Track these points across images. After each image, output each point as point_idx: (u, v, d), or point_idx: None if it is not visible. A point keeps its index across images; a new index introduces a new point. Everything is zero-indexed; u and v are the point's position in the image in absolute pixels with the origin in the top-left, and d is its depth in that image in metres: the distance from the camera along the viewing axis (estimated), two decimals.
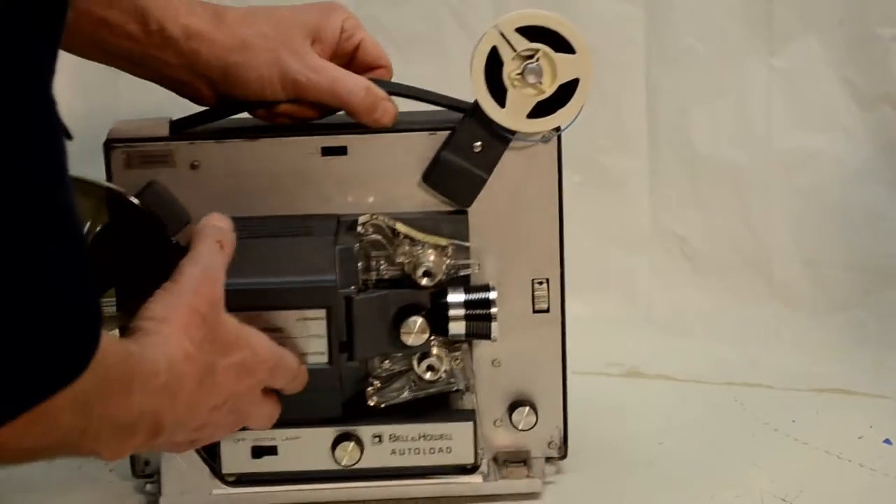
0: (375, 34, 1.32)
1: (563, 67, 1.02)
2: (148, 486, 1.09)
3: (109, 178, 1.03)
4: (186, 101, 1.06)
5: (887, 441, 1.15)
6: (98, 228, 1.01)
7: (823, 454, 1.14)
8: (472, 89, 1.02)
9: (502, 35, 1.01)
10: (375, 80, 1.04)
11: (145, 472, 1.09)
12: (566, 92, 1.02)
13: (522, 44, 1.01)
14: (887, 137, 1.35)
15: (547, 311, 1.07)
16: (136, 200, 1.01)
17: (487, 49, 1.01)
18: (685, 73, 1.36)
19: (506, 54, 1.01)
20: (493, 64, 1.02)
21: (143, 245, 1.02)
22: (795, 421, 1.19)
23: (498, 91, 1.02)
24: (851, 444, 1.15)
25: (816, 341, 1.32)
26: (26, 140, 0.65)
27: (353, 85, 1.03)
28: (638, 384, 1.27)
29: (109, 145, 1.03)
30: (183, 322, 0.86)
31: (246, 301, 0.96)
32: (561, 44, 1.01)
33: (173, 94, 1.06)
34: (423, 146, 1.04)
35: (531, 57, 1.01)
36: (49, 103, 0.66)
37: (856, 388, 1.25)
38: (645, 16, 1.34)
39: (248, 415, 0.94)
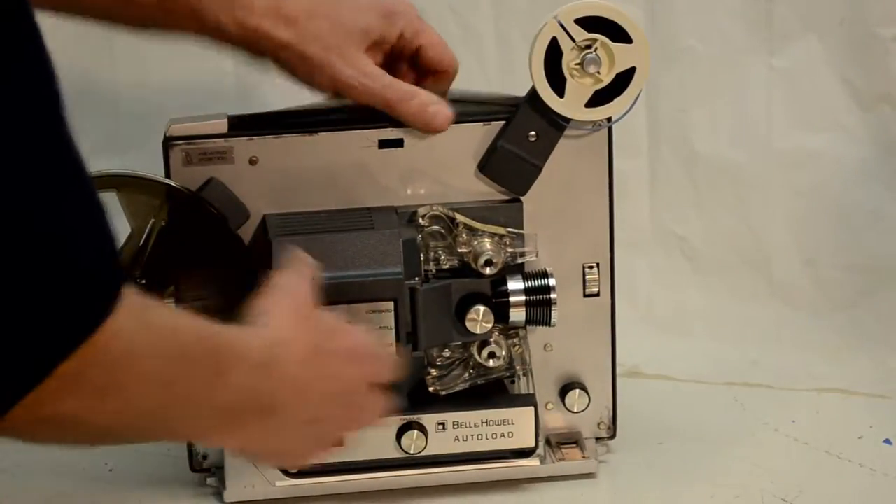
0: None
1: (621, 56, 1.04)
2: (209, 480, 1.09)
3: (169, 175, 1.05)
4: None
5: (887, 441, 1.15)
6: (160, 225, 1.03)
7: (823, 454, 1.14)
8: (530, 78, 1.04)
9: (562, 26, 1.02)
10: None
11: (203, 467, 1.09)
12: (622, 81, 1.05)
13: (581, 34, 1.03)
14: (887, 137, 1.35)
15: (597, 294, 1.09)
16: (197, 197, 1.02)
17: (547, 40, 1.03)
18: (685, 73, 1.36)
19: (565, 45, 1.03)
20: (550, 54, 1.04)
21: (204, 241, 1.03)
22: (795, 421, 1.19)
23: (556, 81, 1.04)
24: (851, 444, 1.15)
25: (816, 341, 1.32)
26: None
27: (404, 92, 1.04)
28: (638, 384, 1.27)
29: (168, 143, 1.04)
30: (279, 312, 0.88)
31: (318, 295, 0.98)
32: (618, 33, 1.03)
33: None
34: (478, 137, 1.06)
35: (589, 47, 1.03)
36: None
37: (856, 388, 1.25)
38: (645, 16, 1.34)
39: (362, 407, 0.94)
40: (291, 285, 0.91)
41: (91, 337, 0.69)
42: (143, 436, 0.80)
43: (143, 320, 0.73)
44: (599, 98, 1.05)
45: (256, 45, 1.03)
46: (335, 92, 1.04)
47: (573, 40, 1.03)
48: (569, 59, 1.04)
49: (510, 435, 1.07)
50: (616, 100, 1.05)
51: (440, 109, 1.04)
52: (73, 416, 0.71)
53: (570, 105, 1.05)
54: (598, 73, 1.04)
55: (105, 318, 0.69)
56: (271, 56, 1.04)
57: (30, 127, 0.67)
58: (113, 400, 0.72)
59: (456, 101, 1.07)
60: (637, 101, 1.06)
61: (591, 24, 1.03)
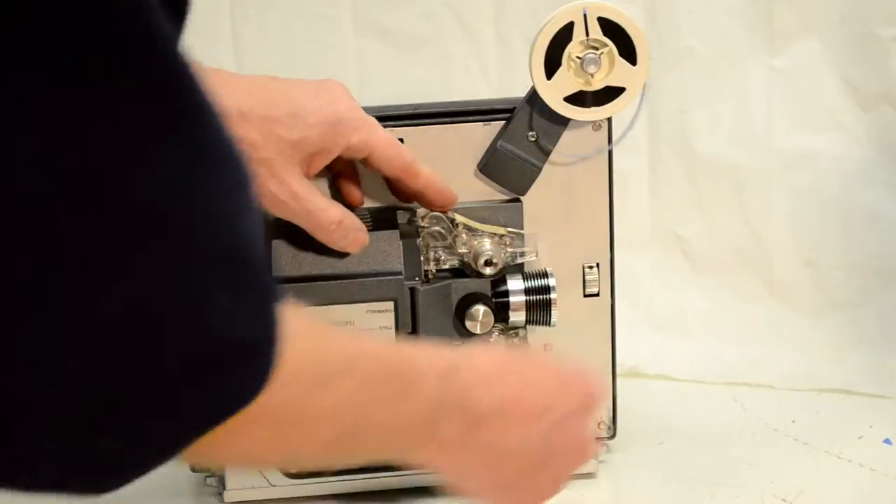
0: (376, 35, 1.33)
1: (619, 72, 1.04)
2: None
3: None
4: None
5: (887, 441, 1.15)
6: None
7: (823, 454, 1.14)
8: (529, 59, 1.04)
9: (585, 16, 1.02)
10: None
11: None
12: (607, 95, 1.05)
13: (597, 32, 1.03)
14: (887, 137, 1.35)
15: (597, 295, 1.09)
16: None
17: (565, 21, 1.03)
18: (685, 74, 1.36)
19: (577, 34, 1.03)
20: (558, 37, 1.04)
21: None
22: (795, 421, 1.19)
23: (550, 64, 1.04)
24: (851, 444, 1.15)
25: (816, 341, 1.32)
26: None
27: (325, 220, 1.00)
28: (638, 384, 1.27)
29: None
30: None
31: (316, 295, 1.00)
32: (628, 51, 1.03)
33: None
34: (478, 137, 1.07)
35: (596, 48, 1.03)
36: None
37: (856, 388, 1.25)
38: (645, 16, 1.34)
39: (583, 439, 0.89)
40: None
41: (264, 388, 0.66)
42: (338, 459, 0.77)
43: (319, 353, 0.71)
44: (578, 99, 1.05)
45: None
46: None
47: (587, 34, 1.03)
48: (572, 49, 1.04)
49: None
50: (593, 108, 1.05)
51: (360, 237, 1.02)
52: (249, 454, 0.70)
53: (549, 90, 1.04)
54: (592, 76, 1.04)
55: (272, 369, 0.66)
56: None
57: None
58: (292, 435, 0.71)
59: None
60: (633, 124, 1.06)
61: (611, 29, 1.03)
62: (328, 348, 0.72)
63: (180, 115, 0.63)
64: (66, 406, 0.61)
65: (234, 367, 0.64)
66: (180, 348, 0.62)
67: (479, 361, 0.82)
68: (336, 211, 1.01)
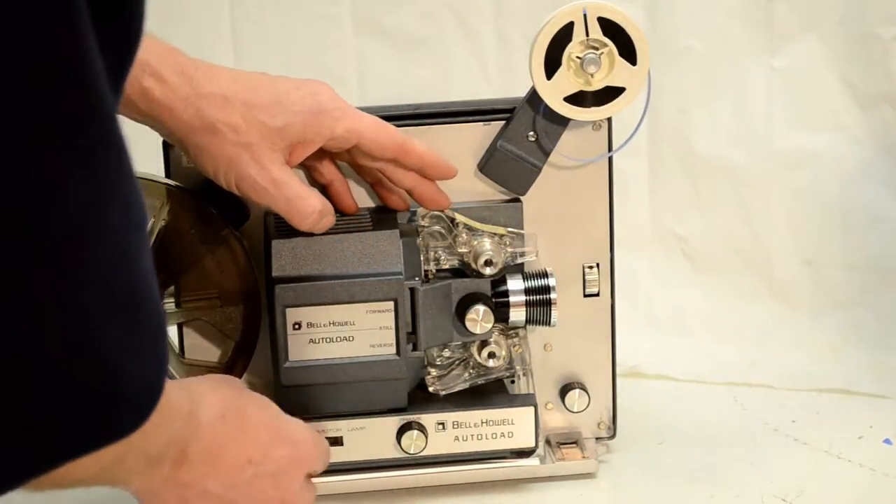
0: (376, 35, 1.33)
1: (619, 73, 1.04)
2: None
3: (169, 175, 1.05)
4: None
5: (887, 441, 1.15)
6: (160, 225, 1.03)
7: (823, 454, 1.14)
8: (529, 55, 1.04)
9: (585, 16, 1.02)
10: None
11: None
12: (607, 95, 1.05)
13: (597, 32, 1.03)
14: (887, 137, 1.35)
15: (597, 295, 1.09)
16: (197, 197, 1.03)
17: (565, 21, 1.03)
18: (685, 73, 1.36)
19: (577, 34, 1.03)
20: (558, 37, 1.03)
21: (204, 241, 1.03)
22: (795, 421, 1.19)
23: (551, 64, 1.04)
24: (851, 444, 1.15)
25: (816, 341, 1.32)
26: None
27: (305, 208, 1.00)
28: (638, 384, 1.27)
29: (169, 143, 1.04)
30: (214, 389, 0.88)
31: (317, 296, 1.00)
32: (628, 51, 1.03)
33: None
34: (478, 137, 1.07)
35: (596, 49, 1.03)
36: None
37: (856, 388, 1.25)
38: (645, 16, 1.34)
39: (294, 494, 0.93)
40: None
41: (141, 424, 0.69)
42: (95, 484, 0.77)
43: None
44: (578, 99, 1.05)
45: (164, 123, 0.98)
46: (239, 191, 1.00)
47: (587, 34, 1.03)
48: (572, 49, 1.04)
49: (510, 435, 1.07)
50: (593, 108, 1.05)
51: (330, 221, 1.02)
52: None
53: (549, 90, 1.04)
54: (592, 76, 1.04)
55: (151, 408, 0.69)
56: (176, 138, 0.99)
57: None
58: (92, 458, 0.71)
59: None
60: (637, 130, 1.07)
61: (611, 29, 1.03)
62: None
63: (94, 147, 0.64)
64: None
65: (116, 402, 0.66)
66: (69, 378, 0.64)
67: (207, 403, 0.85)
68: (316, 200, 1.01)
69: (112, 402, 0.66)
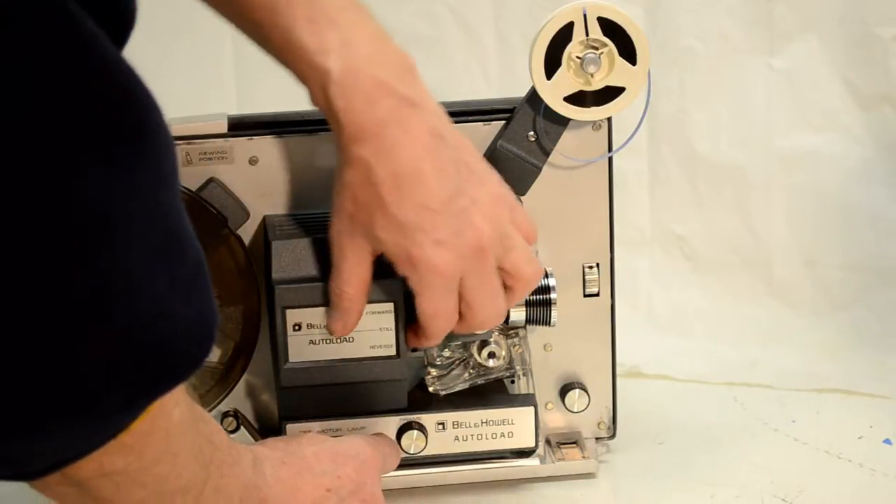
0: None
1: (619, 72, 1.04)
2: None
3: None
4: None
5: (887, 441, 1.15)
6: None
7: (823, 454, 1.14)
8: (529, 58, 1.04)
9: (584, 16, 1.02)
10: None
11: None
12: (607, 94, 1.04)
13: (597, 32, 1.03)
14: (887, 137, 1.35)
15: (597, 295, 1.09)
16: (197, 197, 1.03)
17: (564, 22, 1.03)
18: (685, 73, 1.36)
19: (577, 34, 1.03)
20: (558, 37, 1.03)
21: (204, 241, 1.03)
22: (795, 421, 1.19)
23: (550, 64, 1.04)
24: (851, 444, 1.15)
25: (816, 341, 1.32)
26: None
27: (343, 310, 0.98)
28: (638, 384, 1.27)
29: None
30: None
31: (318, 297, 1.00)
32: (628, 51, 1.03)
33: None
34: (478, 136, 1.06)
35: (596, 48, 1.03)
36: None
37: (856, 388, 1.25)
38: (645, 16, 1.34)
39: (378, 499, 0.95)
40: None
41: (202, 360, 0.72)
42: None
43: (187, 401, 0.76)
44: (578, 99, 1.05)
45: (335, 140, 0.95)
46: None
47: (587, 34, 1.03)
48: (572, 49, 1.04)
49: (510, 435, 1.07)
50: (593, 108, 1.05)
51: (348, 322, 0.99)
52: (124, 474, 0.73)
53: (550, 90, 1.04)
54: (592, 76, 1.04)
55: (210, 342, 0.72)
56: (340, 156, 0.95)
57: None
58: (163, 465, 0.75)
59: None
60: (637, 130, 1.07)
61: (611, 28, 1.03)
62: (191, 401, 0.77)
63: (142, 136, 0.67)
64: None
65: (173, 344, 0.69)
66: (126, 325, 0.66)
67: (263, 454, 0.88)
68: (358, 305, 0.98)
69: (171, 340, 0.68)
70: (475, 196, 0.94)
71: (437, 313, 0.95)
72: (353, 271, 0.96)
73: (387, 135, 0.91)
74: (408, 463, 1.07)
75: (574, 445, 1.11)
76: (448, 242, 0.92)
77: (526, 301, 1.05)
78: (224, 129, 1.05)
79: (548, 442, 1.11)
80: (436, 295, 0.94)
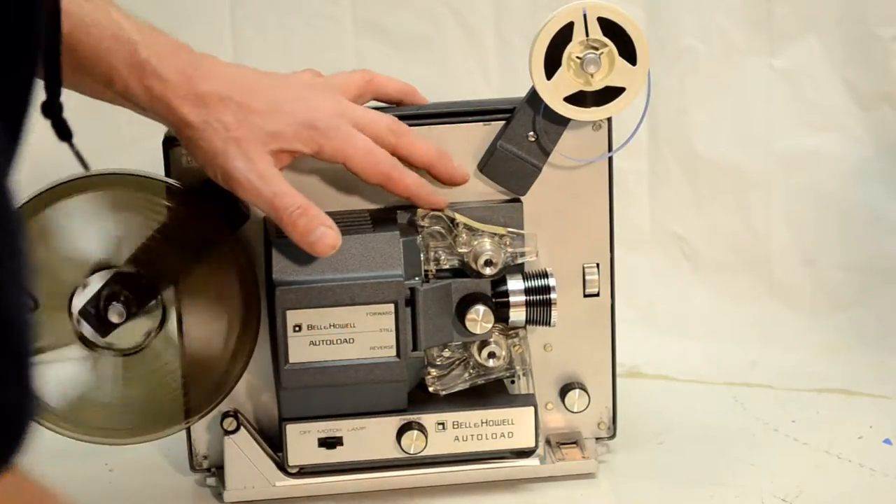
0: (376, 35, 1.33)
1: (619, 72, 1.04)
2: (209, 480, 1.10)
3: (169, 175, 1.05)
4: None
5: (887, 441, 1.15)
6: (158, 224, 1.03)
7: (823, 454, 1.14)
8: (529, 58, 1.04)
9: (584, 16, 1.02)
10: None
11: (203, 467, 1.10)
12: (607, 94, 1.05)
13: (597, 32, 1.03)
14: (887, 137, 1.35)
15: (597, 295, 1.10)
16: (197, 197, 1.03)
17: (565, 21, 1.03)
18: (685, 73, 1.36)
19: (577, 34, 1.03)
20: (558, 37, 1.04)
21: (203, 241, 1.03)
22: (795, 421, 1.19)
23: (550, 64, 1.04)
24: (851, 444, 1.15)
25: (816, 341, 1.32)
26: None
27: (290, 203, 1.00)
28: (638, 384, 1.27)
29: (169, 143, 1.05)
30: None
31: (318, 298, 1.00)
32: (628, 51, 1.03)
33: None
34: (478, 137, 1.07)
35: (596, 49, 1.03)
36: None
37: (856, 388, 1.25)
38: (645, 16, 1.34)
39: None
40: None
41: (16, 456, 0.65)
42: None
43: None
44: (578, 99, 1.05)
45: (164, 117, 1.00)
46: (225, 184, 1.00)
47: (587, 34, 1.03)
48: (572, 49, 1.04)
49: (510, 435, 1.07)
50: (593, 108, 1.05)
51: (326, 233, 1.00)
52: None
53: (550, 91, 1.04)
54: (592, 76, 1.04)
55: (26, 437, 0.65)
56: (175, 131, 1.01)
57: None
58: None
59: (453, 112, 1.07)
60: (637, 130, 1.07)
61: (611, 28, 1.03)
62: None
63: None
64: None
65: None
66: None
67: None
68: (300, 197, 1.00)
69: None
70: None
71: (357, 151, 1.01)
72: (283, 180, 1.00)
73: (201, 72, 1.00)
74: (408, 463, 1.07)
75: (574, 445, 1.11)
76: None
77: (526, 301, 1.05)
78: None
79: (548, 442, 1.11)
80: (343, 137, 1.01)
